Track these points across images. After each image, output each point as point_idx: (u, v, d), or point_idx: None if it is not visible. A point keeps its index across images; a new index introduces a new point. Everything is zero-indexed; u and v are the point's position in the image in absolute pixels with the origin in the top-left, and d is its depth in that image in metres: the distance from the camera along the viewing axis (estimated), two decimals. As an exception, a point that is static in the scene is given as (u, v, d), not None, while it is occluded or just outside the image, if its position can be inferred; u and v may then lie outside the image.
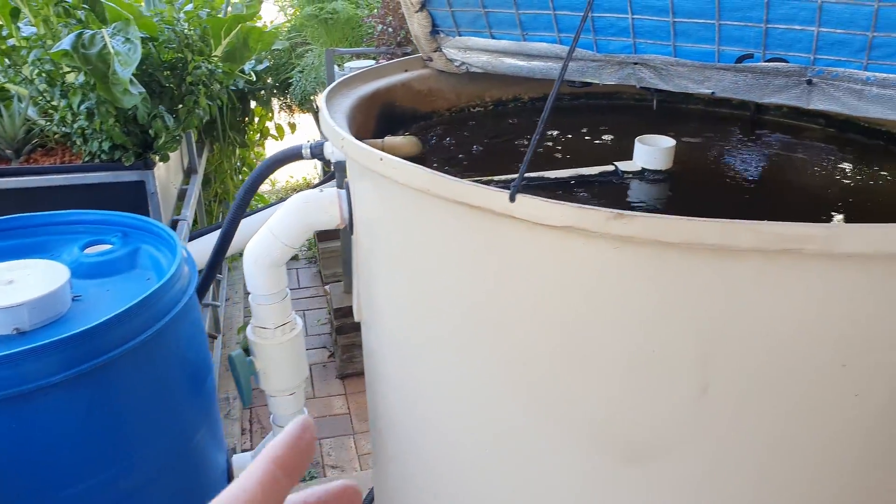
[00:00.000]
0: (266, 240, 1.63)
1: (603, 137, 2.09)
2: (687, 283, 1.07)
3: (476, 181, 1.74)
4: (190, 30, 2.38)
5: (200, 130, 3.66)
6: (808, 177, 1.79)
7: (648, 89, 1.93)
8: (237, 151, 4.22)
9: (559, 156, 1.96)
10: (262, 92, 3.94)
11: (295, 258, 5.36)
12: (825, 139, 2.09)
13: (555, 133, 2.13)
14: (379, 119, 2.01)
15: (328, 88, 1.76)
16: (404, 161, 1.21)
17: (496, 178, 1.77)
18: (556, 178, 1.79)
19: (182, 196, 3.17)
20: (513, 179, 1.85)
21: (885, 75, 1.54)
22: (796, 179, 1.78)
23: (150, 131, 2.25)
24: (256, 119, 4.37)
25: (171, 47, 2.39)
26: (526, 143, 2.06)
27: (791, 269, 1.02)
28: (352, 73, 1.92)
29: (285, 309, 1.73)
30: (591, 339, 1.15)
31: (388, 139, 1.84)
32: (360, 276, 1.66)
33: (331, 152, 1.99)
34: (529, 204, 1.07)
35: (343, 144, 1.38)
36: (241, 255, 1.82)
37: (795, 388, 1.12)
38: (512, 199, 1.08)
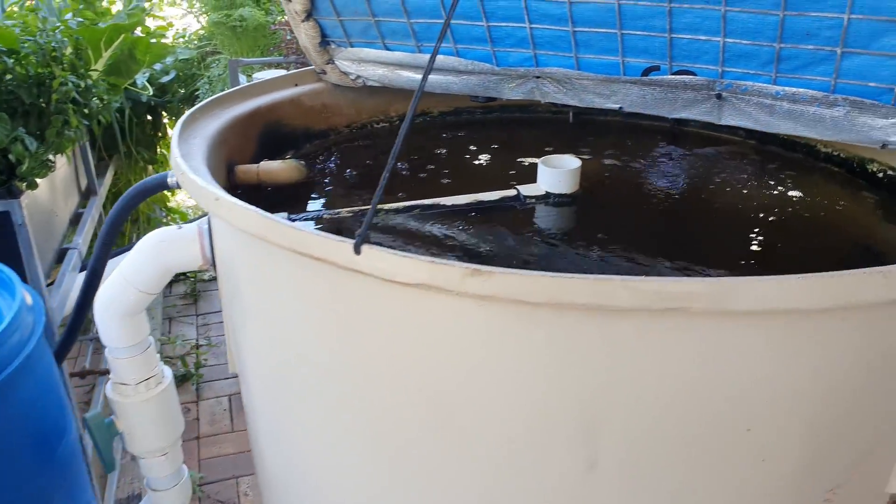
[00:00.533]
0: (117, 285, 1.42)
1: (514, 155, 1.93)
2: (563, 345, 0.91)
3: (353, 211, 1.57)
4: (60, 41, 2.14)
5: (101, 148, 3.39)
6: (727, 196, 1.66)
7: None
8: (149, 168, 3.95)
9: (461, 178, 1.79)
10: (172, 105, 3.69)
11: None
12: (745, 152, 1.97)
13: (461, 150, 1.97)
14: (261, 140, 1.81)
15: (191, 110, 1.55)
16: (238, 203, 1.02)
17: (387, 206, 1.59)
18: (452, 206, 1.63)
19: (79, 220, 2.90)
20: (407, 207, 1.68)
21: (794, 90, 1.42)
22: (714, 199, 1.65)
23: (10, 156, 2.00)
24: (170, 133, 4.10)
25: (39, 61, 2.14)
26: (433, 161, 1.89)
27: (678, 329, 0.87)
28: (223, 93, 1.72)
29: (148, 361, 1.52)
30: (458, 411, 0.98)
31: (264, 164, 1.64)
32: (227, 324, 1.46)
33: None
34: (376, 257, 0.89)
35: (182, 178, 1.19)
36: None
37: (696, 459, 0.97)
38: (357, 250, 0.90)
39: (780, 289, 0.81)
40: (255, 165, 1.63)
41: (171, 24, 4.28)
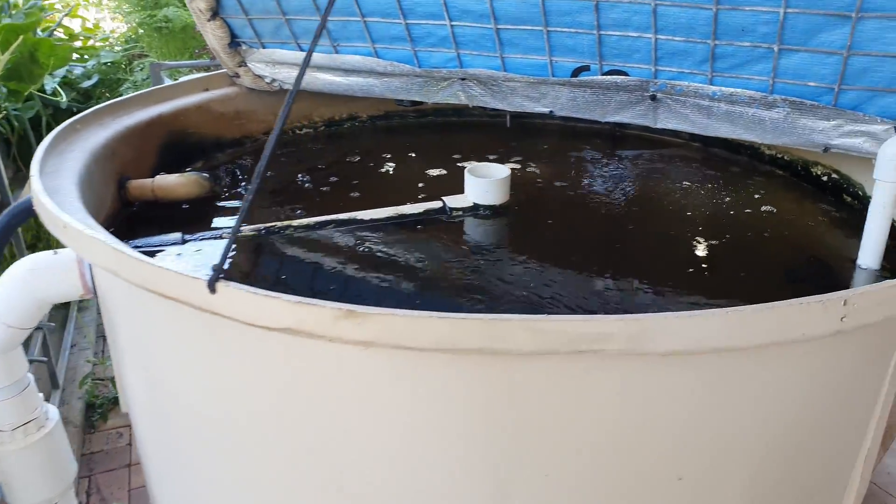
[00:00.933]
0: (-17, 321, 1.24)
1: (447, 162, 1.80)
2: (461, 395, 0.77)
3: (259, 229, 1.40)
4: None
5: (17, 158, 3.17)
6: (669, 204, 1.55)
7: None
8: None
9: (387, 188, 1.65)
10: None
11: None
12: (689, 155, 1.87)
13: (389, 157, 1.83)
14: (163, 152, 1.64)
15: (70, 120, 1.38)
16: (86, 231, 0.87)
17: (297, 222, 1.44)
18: (371, 220, 1.49)
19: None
20: (319, 223, 1.53)
21: (732, 90, 1.31)
22: (655, 208, 1.54)
23: None
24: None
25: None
26: (358, 170, 1.74)
27: (594, 373, 0.74)
28: (114, 100, 1.55)
29: (27, 403, 1.35)
30: (346, 472, 0.84)
31: (160, 178, 1.48)
32: (113, 358, 1.30)
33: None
34: (235, 298, 0.75)
35: (35, 200, 1.02)
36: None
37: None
38: (211, 289, 0.75)
39: (706, 326, 0.69)
40: (150, 180, 1.47)
41: (97, 26, 4.04)
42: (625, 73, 1.40)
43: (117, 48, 3.49)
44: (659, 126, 1.43)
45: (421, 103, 1.74)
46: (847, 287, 1.25)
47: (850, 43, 1.15)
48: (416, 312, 0.71)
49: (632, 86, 1.39)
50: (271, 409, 0.85)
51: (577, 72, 1.44)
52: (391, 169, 1.78)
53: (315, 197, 1.61)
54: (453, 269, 1.28)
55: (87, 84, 3.33)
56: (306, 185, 1.69)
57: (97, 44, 3.46)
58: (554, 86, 1.48)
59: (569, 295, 1.17)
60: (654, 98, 1.39)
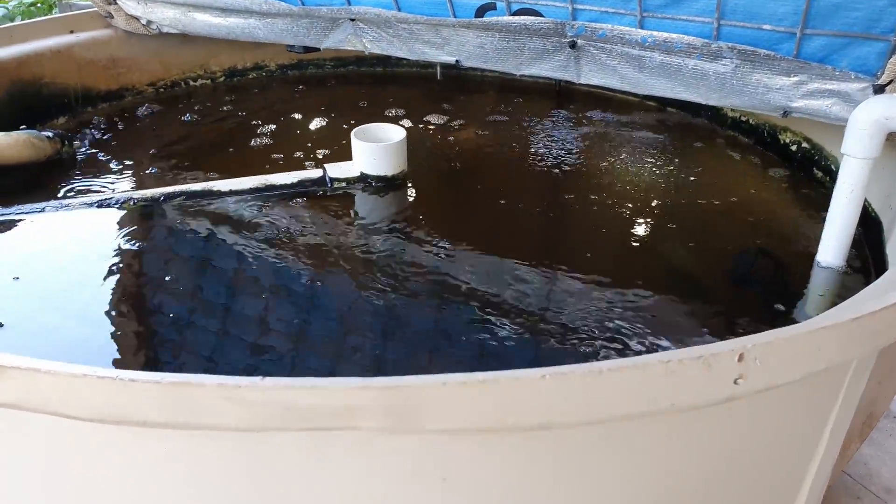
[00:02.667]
0: None
1: (355, 120, 1.52)
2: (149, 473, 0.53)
3: (91, 201, 1.12)
4: None
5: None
6: (608, 175, 1.27)
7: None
8: None
9: (277, 149, 1.38)
10: None
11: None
12: (640, 118, 1.59)
13: (290, 114, 1.55)
14: (6, 105, 1.38)
15: None
16: None
17: (139, 193, 1.18)
18: (231, 192, 1.23)
19: None
20: (166, 195, 1.23)
21: (667, 35, 1.02)
22: (592, 180, 1.26)
23: None
24: None
25: None
26: (245, 129, 1.46)
27: (343, 456, 0.49)
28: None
29: None
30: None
31: (-21, 139, 1.22)
32: None
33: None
34: None
35: None
36: None
37: None
38: None
39: (498, 397, 0.44)
40: (-36, 141, 1.21)
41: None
42: (537, 13, 1.11)
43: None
44: (583, 81, 1.15)
45: (315, 49, 1.46)
46: (800, 292, 1.01)
47: (813, -29, 0.86)
48: (68, 367, 0.46)
49: (545, 29, 1.11)
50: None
51: (481, 10, 1.15)
52: (290, 127, 1.50)
53: (194, 161, 1.34)
54: (311, 265, 1.01)
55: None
56: (187, 147, 1.42)
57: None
58: (457, 29, 1.20)
59: (453, 301, 0.91)
60: (573, 45, 1.10)
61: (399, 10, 1.22)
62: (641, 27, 1.04)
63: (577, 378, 0.45)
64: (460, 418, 0.45)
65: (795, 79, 0.99)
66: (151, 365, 0.82)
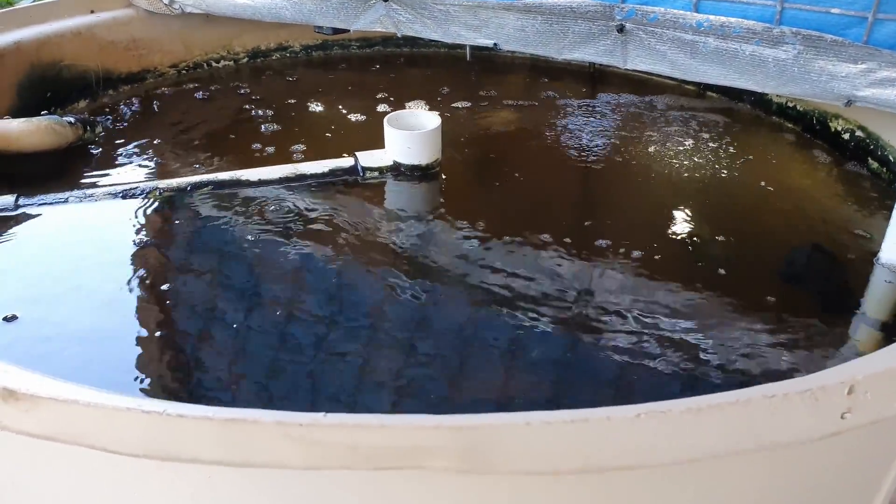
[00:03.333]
0: None
1: (383, 105, 1.46)
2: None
3: (115, 192, 1.06)
4: None
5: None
6: (650, 165, 1.22)
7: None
8: None
9: (304, 137, 1.33)
10: None
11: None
12: (681, 103, 1.52)
13: (315, 97, 1.50)
14: (24, 89, 1.34)
15: None
16: None
17: (164, 183, 1.14)
18: (259, 180, 1.18)
19: None
20: (194, 185, 1.17)
21: (724, 19, 0.96)
22: (633, 170, 1.20)
23: None
24: None
25: None
26: (271, 113, 1.41)
27: (410, 495, 0.46)
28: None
29: None
30: None
31: (2, 123, 1.18)
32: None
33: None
34: None
35: None
36: None
37: None
38: None
39: (582, 442, 0.39)
40: (-13, 126, 1.17)
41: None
42: (584, -5, 1.05)
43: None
44: (629, 67, 1.09)
45: (344, 31, 1.40)
46: (860, 293, 0.95)
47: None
48: (110, 399, 0.42)
49: (593, 11, 1.05)
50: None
51: (523, -8, 1.09)
52: (315, 112, 1.45)
53: (218, 147, 1.30)
54: (345, 259, 0.97)
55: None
56: (210, 130, 1.37)
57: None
58: (497, 10, 1.14)
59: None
60: (621, 29, 1.04)
61: (435, -10, 1.16)
62: (697, 11, 0.97)
63: (676, 416, 0.40)
64: (542, 461, 0.41)
65: (863, 66, 0.93)
66: (177, 365, 0.78)
